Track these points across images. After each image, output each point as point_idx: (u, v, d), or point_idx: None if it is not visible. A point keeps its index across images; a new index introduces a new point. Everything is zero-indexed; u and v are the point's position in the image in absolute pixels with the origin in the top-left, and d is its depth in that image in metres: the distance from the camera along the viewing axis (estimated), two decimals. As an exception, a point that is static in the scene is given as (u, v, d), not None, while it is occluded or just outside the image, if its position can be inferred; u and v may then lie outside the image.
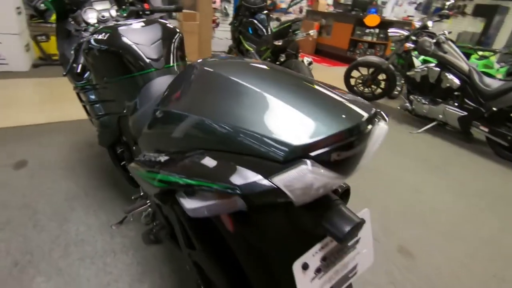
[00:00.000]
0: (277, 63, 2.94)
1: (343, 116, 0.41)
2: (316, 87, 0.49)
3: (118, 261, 1.19)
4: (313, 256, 0.45)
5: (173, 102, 0.57)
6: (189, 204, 0.46)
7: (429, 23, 2.87)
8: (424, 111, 2.91)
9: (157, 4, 1.60)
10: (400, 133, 2.88)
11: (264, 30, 3.06)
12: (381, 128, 0.44)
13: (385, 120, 0.46)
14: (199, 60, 0.63)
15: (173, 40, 1.07)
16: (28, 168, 1.68)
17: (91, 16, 1.24)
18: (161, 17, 1.44)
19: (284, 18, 5.18)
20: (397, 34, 3.03)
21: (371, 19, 5.58)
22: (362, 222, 0.43)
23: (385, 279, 1.26)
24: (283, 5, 6.11)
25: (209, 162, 0.44)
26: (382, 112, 0.47)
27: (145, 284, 1.11)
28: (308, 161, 0.36)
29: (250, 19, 3.17)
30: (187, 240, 0.82)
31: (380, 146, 0.45)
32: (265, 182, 0.37)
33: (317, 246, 0.45)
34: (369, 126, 0.42)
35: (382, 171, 2.13)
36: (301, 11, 6.88)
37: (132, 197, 1.29)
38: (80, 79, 1.17)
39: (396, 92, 3.75)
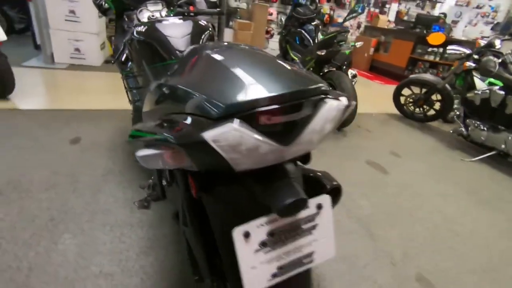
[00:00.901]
0: (320, 74, 2.92)
1: (278, 82, 0.42)
2: (274, 61, 0.51)
3: (133, 233, 1.30)
4: (257, 228, 0.46)
5: (167, 78, 0.64)
6: (141, 153, 0.50)
7: (497, 42, 2.58)
8: (482, 138, 2.60)
9: (202, 7, 1.75)
10: (450, 159, 2.61)
11: (311, 40, 3.08)
12: (331, 106, 0.44)
13: (342, 101, 0.46)
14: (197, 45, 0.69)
15: (203, 35, 1.17)
16: (80, 144, 1.94)
17: (144, 16, 1.42)
18: (219, 26, 1.58)
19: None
20: (457, 52, 2.78)
21: (435, 38, 5.19)
22: (304, 199, 0.42)
23: (393, 305, 1.16)
24: (339, 20, 6.05)
25: (165, 120, 0.49)
26: (340, 93, 0.47)
27: (150, 257, 1.20)
28: (236, 120, 0.39)
29: (299, 29, 3.23)
30: (183, 218, 0.88)
31: (333, 126, 0.45)
32: (196, 134, 0.40)
33: (263, 219, 0.46)
34: (308, 99, 0.42)
35: (420, 194, 1.95)
36: (359, 26, 6.73)
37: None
38: (124, 67, 1.34)
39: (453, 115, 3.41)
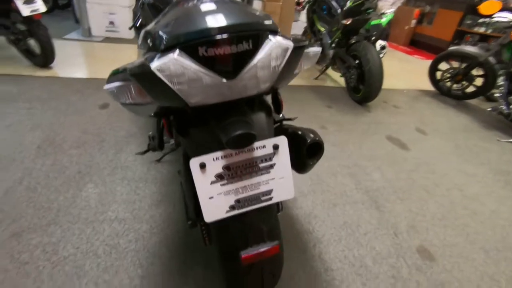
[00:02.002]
0: (347, 46, 2.78)
1: (222, 17, 0.43)
2: (235, 3, 0.52)
3: (147, 188, 1.43)
4: (213, 161, 0.50)
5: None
6: (106, 86, 0.54)
7: (556, 6, 2.24)
8: (526, 117, 2.35)
9: None
10: (484, 140, 2.41)
11: (338, 10, 2.91)
12: (275, 43, 0.44)
13: (288, 41, 0.46)
14: None
15: None
16: (108, 109, 2.11)
17: None
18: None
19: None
20: (505, 20, 2.47)
21: (489, 6, 4.59)
22: (252, 134, 0.45)
23: (388, 271, 1.16)
24: (379, -12, 5.56)
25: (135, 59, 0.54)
26: (293, 37, 0.47)
27: (159, 209, 1.32)
28: (177, 50, 0.41)
29: (326, -3, 3.06)
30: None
31: (279, 64, 0.45)
32: (145, 65, 0.43)
33: (219, 152, 0.49)
34: (248, 33, 0.43)
35: (439, 172, 1.86)
36: (402, -4, 6.15)
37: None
38: (139, 32, 1.41)
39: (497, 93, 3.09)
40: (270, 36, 0.44)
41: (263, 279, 0.58)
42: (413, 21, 5.73)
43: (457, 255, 1.28)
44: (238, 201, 0.53)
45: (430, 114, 2.79)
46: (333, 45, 2.99)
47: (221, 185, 0.51)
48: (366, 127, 2.37)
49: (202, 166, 0.48)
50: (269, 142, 0.52)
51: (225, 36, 0.41)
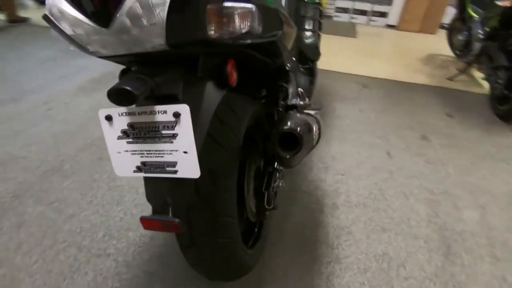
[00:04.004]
0: (506, 39, 2.03)
1: None
2: None
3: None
4: (119, 115, 0.48)
5: None
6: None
7: None
8: None
9: None
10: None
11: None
12: None
13: None
14: None
15: None
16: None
17: None
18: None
19: None
20: None
21: None
22: (130, 91, 0.40)
23: None
24: None
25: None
26: None
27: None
28: None
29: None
30: None
31: (160, 12, 0.36)
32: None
33: (124, 108, 0.47)
34: None
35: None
36: None
37: None
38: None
39: None
40: None
41: None
42: None
43: None
44: (144, 163, 0.51)
45: None
46: (484, 36, 2.25)
47: (127, 142, 0.50)
48: (493, 150, 1.72)
49: (109, 118, 0.49)
50: (169, 108, 0.46)
51: None
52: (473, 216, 1.28)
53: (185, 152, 0.48)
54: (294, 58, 1.16)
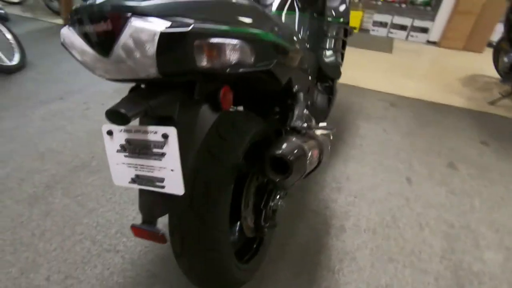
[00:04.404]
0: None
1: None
2: None
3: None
4: (119, 131, 0.53)
5: None
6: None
7: None
8: None
9: None
10: None
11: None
12: (135, 26, 0.39)
13: (153, 24, 0.39)
14: None
15: None
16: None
17: None
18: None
19: None
20: None
21: None
22: (123, 114, 0.44)
23: None
24: None
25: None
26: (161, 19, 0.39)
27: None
28: (71, 26, 0.45)
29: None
30: None
31: (149, 48, 0.40)
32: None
33: (125, 127, 0.52)
34: (104, 14, 0.40)
35: None
36: None
37: None
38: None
39: None
40: (132, 19, 0.41)
41: None
42: None
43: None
44: (137, 176, 0.55)
45: None
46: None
47: (124, 156, 0.55)
48: (531, 186, 1.57)
49: (110, 133, 0.54)
50: (159, 130, 0.50)
51: (86, 15, 0.43)
52: (495, 257, 1.17)
53: (172, 170, 0.52)
54: (310, 77, 1.17)
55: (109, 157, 0.56)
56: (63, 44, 0.49)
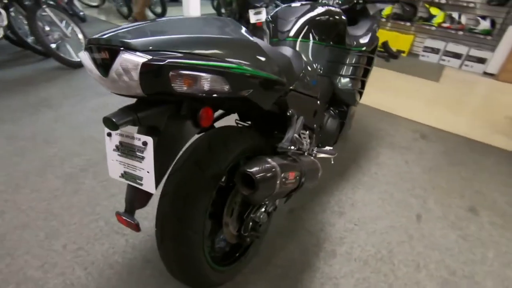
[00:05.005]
0: None
1: (114, 32, 0.55)
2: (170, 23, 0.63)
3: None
4: (115, 134, 0.65)
5: None
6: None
7: None
8: None
9: None
10: None
11: None
12: (123, 58, 0.50)
13: (136, 58, 0.51)
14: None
15: (315, 19, 1.20)
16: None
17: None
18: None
19: None
20: None
21: None
22: (113, 121, 0.55)
23: None
24: None
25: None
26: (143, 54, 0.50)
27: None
28: (86, 51, 0.58)
29: None
30: None
31: (134, 75, 0.53)
32: None
33: (119, 131, 0.64)
34: (104, 46, 0.52)
35: None
36: None
37: None
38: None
39: None
40: (122, 52, 0.53)
41: None
42: None
43: None
44: (125, 172, 0.67)
45: None
46: None
47: (117, 154, 0.67)
48: None
49: (109, 135, 0.67)
50: (141, 138, 0.61)
51: (94, 45, 0.56)
52: None
53: (148, 172, 0.63)
54: (319, 101, 1.22)
55: (107, 154, 0.70)
56: (82, 63, 0.64)
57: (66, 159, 1.68)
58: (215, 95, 0.63)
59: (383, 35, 4.48)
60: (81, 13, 4.62)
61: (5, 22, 2.46)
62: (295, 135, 0.95)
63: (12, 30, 2.79)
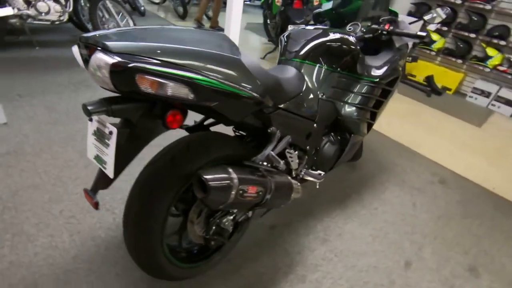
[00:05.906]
0: None
1: (102, 32, 0.62)
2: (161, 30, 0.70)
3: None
4: (95, 121, 0.74)
5: None
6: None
7: None
8: None
9: (404, 28, 1.57)
10: None
11: None
12: (96, 57, 0.58)
13: (107, 58, 0.58)
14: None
15: (325, 45, 1.22)
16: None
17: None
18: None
19: None
20: None
21: None
22: (87, 109, 0.64)
23: None
24: None
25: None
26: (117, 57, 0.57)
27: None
28: (77, 46, 0.67)
29: None
30: None
31: (105, 72, 0.60)
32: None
33: (96, 117, 0.73)
34: (85, 44, 0.61)
35: None
36: None
37: None
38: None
39: None
40: (97, 51, 0.60)
41: None
42: None
43: None
44: (97, 155, 0.75)
45: None
46: None
47: (94, 138, 0.75)
48: None
49: (90, 120, 0.76)
50: (109, 127, 0.69)
51: (81, 42, 0.64)
52: None
53: (110, 158, 0.71)
54: (316, 124, 1.23)
55: (88, 136, 0.79)
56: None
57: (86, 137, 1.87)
58: (181, 101, 0.69)
59: (430, 69, 4.26)
60: (142, 8, 5.06)
61: (71, 8, 2.81)
62: (272, 152, 0.97)
63: (77, 16, 3.17)
